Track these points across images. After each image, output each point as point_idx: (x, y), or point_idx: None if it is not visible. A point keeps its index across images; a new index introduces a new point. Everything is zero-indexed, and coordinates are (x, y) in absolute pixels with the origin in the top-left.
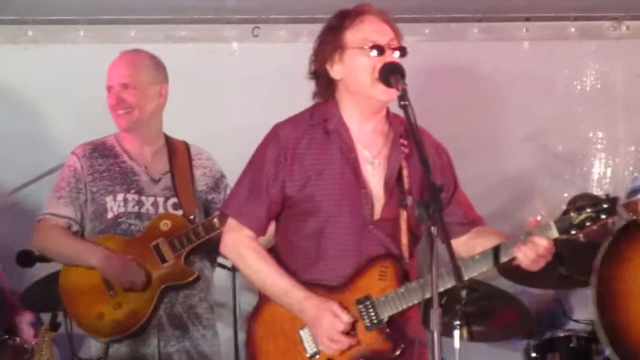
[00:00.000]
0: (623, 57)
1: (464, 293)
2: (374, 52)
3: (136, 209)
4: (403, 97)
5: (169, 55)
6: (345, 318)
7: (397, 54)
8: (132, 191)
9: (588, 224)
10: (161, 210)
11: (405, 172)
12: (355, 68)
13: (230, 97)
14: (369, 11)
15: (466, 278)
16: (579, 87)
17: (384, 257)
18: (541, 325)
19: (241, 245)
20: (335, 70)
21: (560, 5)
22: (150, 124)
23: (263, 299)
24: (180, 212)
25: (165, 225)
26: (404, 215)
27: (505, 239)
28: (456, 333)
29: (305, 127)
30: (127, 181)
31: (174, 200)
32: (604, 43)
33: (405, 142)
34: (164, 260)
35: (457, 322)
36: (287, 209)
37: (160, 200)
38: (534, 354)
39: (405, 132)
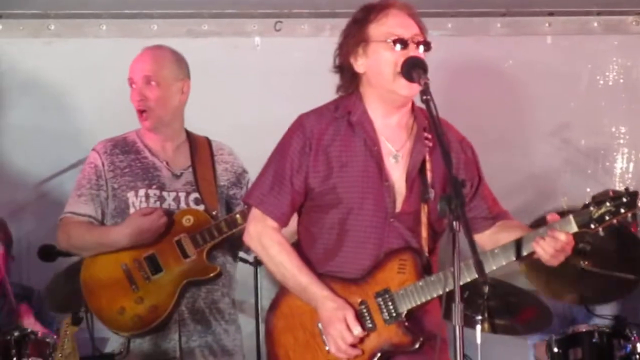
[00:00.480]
0: None
1: (486, 288)
2: (397, 46)
3: (158, 204)
4: (425, 91)
5: (191, 49)
6: (357, 331)
7: (421, 48)
8: (154, 187)
9: (607, 218)
10: (183, 205)
11: (428, 166)
12: (378, 61)
13: (252, 92)
14: (393, 5)
15: (487, 271)
16: (601, 81)
17: (403, 250)
18: (563, 320)
19: (264, 236)
20: (359, 64)
21: (583, 0)
22: (173, 121)
23: (282, 292)
24: (202, 207)
25: (187, 220)
26: (425, 209)
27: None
28: (478, 328)
29: (329, 119)
30: (149, 177)
31: (195, 195)
32: (627, 38)
33: (429, 136)
34: (186, 256)
35: (479, 317)
36: (310, 200)
37: (182, 195)
38: (556, 349)
39: (430, 126)
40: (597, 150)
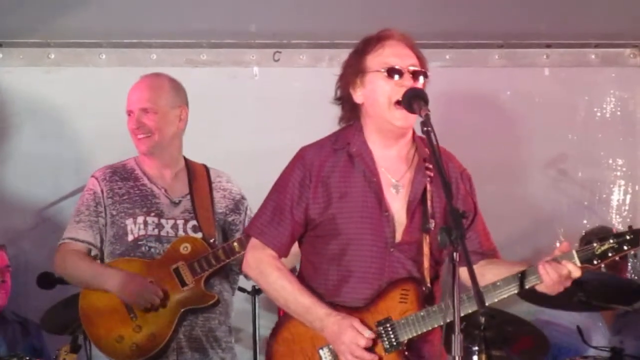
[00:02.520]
0: None
1: (482, 319)
2: (395, 77)
3: (156, 231)
4: (426, 122)
5: (190, 79)
6: (367, 333)
7: (420, 79)
8: (152, 214)
9: (610, 254)
10: (181, 232)
11: (429, 196)
12: (374, 91)
13: (250, 121)
14: (391, 36)
15: (487, 303)
16: (599, 113)
17: (405, 280)
18: (560, 351)
19: (263, 263)
20: (358, 95)
21: (580, 32)
22: (170, 148)
23: (283, 318)
24: (199, 235)
25: (185, 248)
26: (426, 239)
27: (518, 266)
28: (475, 359)
29: (329, 151)
30: (147, 204)
31: (193, 222)
32: (624, 70)
33: (430, 166)
34: (183, 284)
35: (476, 348)
36: (310, 231)
37: (180, 222)
38: None
39: (428, 159)
40: (594, 182)
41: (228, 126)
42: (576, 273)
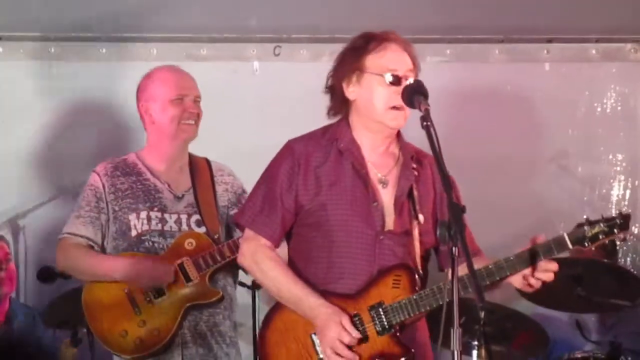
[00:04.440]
0: None
1: (482, 314)
2: (391, 82)
3: (159, 226)
4: (426, 117)
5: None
6: (354, 333)
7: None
8: (155, 209)
9: (601, 237)
10: (184, 227)
11: (415, 193)
12: (371, 94)
13: (250, 116)
14: (393, 39)
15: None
16: (599, 109)
17: (397, 267)
18: (559, 346)
19: (258, 253)
20: (351, 91)
21: (581, 27)
22: None
23: (275, 307)
24: (203, 229)
25: (189, 244)
26: (416, 232)
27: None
28: (474, 353)
29: (318, 144)
30: (150, 199)
31: (197, 217)
32: (625, 65)
33: (415, 166)
34: (188, 280)
35: (475, 343)
36: (300, 219)
37: (184, 217)
38: None
39: (415, 158)
40: (594, 177)
41: (228, 121)
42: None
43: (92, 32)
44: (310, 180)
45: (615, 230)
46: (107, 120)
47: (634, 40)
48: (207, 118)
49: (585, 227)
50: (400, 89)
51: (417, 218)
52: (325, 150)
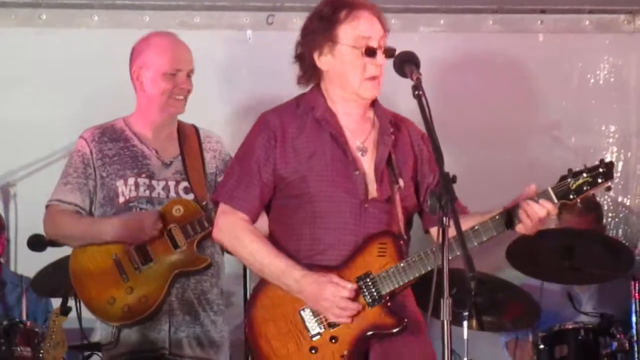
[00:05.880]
0: (637, 51)
1: (473, 284)
2: (367, 54)
3: (147, 193)
4: (417, 86)
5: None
6: (349, 285)
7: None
8: (143, 175)
9: (585, 188)
10: (172, 194)
11: (394, 157)
12: (345, 65)
13: (243, 85)
14: (364, 6)
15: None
16: (592, 80)
17: (382, 234)
18: (550, 317)
19: (237, 227)
20: (323, 61)
21: None
22: None
23: (261, 283)
24: (191, 196)
25: (177, 211)
26: (397, 198)
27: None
28: (465, 324)
29: (292, 116)
30: (138, 165)
31: (185, 184)
32: (618, 36)
33: (392, 130)
34: (176, 246)
35: (466, 313)
36: (279, 192)
37: (172, 184)
38: (542, 346)
39: (393, 122)
40: (587, 148)
41: (220, 89)
42: (553, 211)
43: None
44: (288, 151)
45: (599, 180)
46: (99, 87)
47: (627, 12)
48: (199, 86)
49: (569, 180)
50: (376, 60)
51: (397, 183)
52: (301, 121)
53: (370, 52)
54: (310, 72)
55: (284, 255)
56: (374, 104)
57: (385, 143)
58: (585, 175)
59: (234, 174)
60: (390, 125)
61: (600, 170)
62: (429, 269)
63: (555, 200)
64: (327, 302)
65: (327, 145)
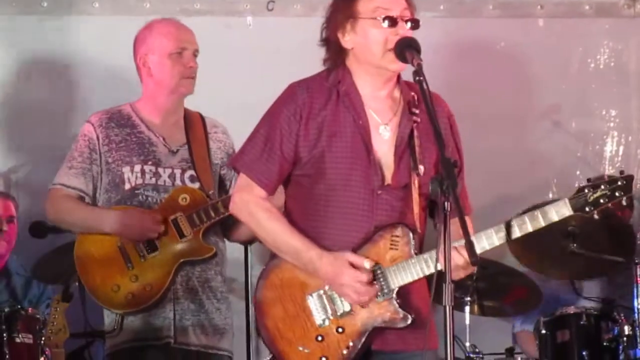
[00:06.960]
0: (637, 35)
1: (475, 269)
2: (387, 24)
3: (153, 180)
4: (418, 72)
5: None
6: (367, 265)
7: (409, 25)
8: (150, 162)
9: (602, 201)
10: (178, 182)
11: (416, 142)
12: (367, 39)
13: (243, 72)
14: None
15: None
16: (592, 65)
17: (395, 226)
18: (552, 302)
19: (252, 204)
20: (347, 40)
21: None
22: None
23: (272, 262)
24: (197, 185)
25: (184, 199)
26: (415, 184)
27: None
28: (467, 309)
29: (321, 88)
30: (145, 152)
31: (191, 172)
32: (618, 21)
33: (417, 111)
34: (182, 236)
35: (468, 298)
36: (298, 169)
37: (178, 172)
38: (544, 331)
39: (417, 100)
40: (587, 133)
41: (221, 76)
42: (469, 269)
43: None
44: (311, 128)
45: (617, 194)
46: (101, 74)
47: None
48: (200, 73)
49: (587, 191)
50: (397, 30)
51: (417, 169)
52: (328, 94)
53: (390, 21)
54: (336, 53)
55: (299, 234)
56: (400, 81)
57: (407, 124)
58: (603, 187)
59: (258, 144)
60: (413, 105)
61: (619, 183)
62: (440, 268)
63: (571, 212)
64: (345, 287)
65: (349, 125)
